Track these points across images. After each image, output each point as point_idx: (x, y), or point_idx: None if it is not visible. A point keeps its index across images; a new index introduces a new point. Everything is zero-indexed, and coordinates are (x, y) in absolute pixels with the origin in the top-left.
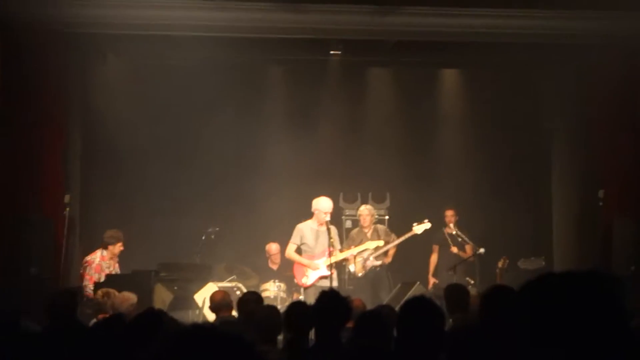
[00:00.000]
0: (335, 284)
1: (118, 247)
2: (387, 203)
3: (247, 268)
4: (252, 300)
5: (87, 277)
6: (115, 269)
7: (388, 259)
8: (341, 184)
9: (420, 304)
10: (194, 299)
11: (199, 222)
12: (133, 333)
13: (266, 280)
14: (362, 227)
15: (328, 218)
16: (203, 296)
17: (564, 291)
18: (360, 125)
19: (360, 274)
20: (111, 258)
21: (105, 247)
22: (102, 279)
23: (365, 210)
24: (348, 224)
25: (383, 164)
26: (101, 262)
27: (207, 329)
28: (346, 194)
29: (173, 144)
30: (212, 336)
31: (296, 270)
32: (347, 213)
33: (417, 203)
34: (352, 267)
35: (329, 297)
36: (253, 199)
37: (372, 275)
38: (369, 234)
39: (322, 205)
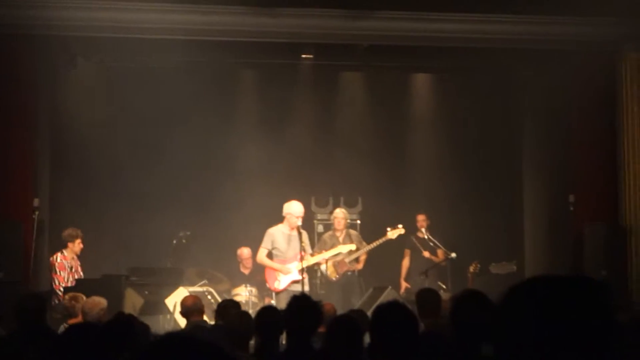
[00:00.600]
0: (307, 288)
1: (78, 245)
2: (359, 207)
3: (219, 273)
4: (230, 306)
5: (55, 277)
6: (77, 269)
7: (359, 265)
8: (313, 188)
9: (393, 309)
10: (165, 304)
11: (170, 226)
12: (104, 338)
13: (237, 285)
14: (335, 230)
15: (299, 222)
16: (174, 301)
17: (554, 296)
18: (332, 129)
19: (334, 278)
20: (72, 258)
21: (65, 246)
22: (67, 278)
23: (340, 214)
24: (320, 228)
25: (355, 168)
26: (63, 261)
27: (187, 338)
28: (318, 198)
29: (144, 147)
30: (193, 346)
31: (268, 274)
32: (319, 217)
33: (389, 207)
34: (324, 270)
35: (299, 302)
36: (224, 203)
37: (344, 280)
38: (341, 238)
39: (294, 209)
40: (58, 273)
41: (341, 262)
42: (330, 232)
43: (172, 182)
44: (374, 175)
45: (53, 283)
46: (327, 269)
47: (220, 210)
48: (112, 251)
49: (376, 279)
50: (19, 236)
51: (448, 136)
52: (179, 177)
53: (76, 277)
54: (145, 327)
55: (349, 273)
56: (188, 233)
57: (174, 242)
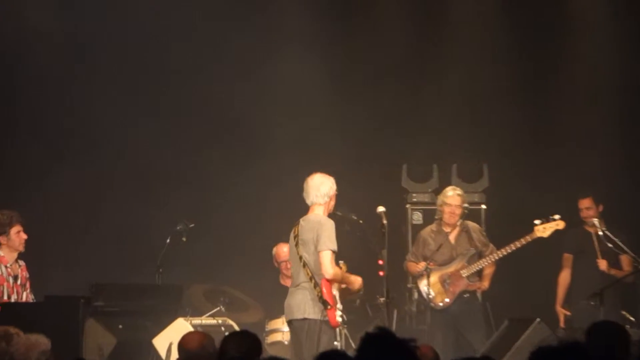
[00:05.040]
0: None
1: (16, 236)
2: (485, 182)
3: (243, 293)
4: (241, 345)
5: None
6: (24, 280)
7: (485, 283)
8: (404, 151)
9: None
10: (152, 346)
11: (162, 216)
12: None
13: (277, 315)
14: (444, 223)
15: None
16: (169, 341)
17: None
18: (437, 54)
19: (440, 304)
20: (16, 261)
21: None
22: (7, 294)
23: (456, 198)
24: (416, 217)
25: (476, 118)
26: None
27: None
28: (413, 167)
29: (127, 92)
30: None
31: (329, 295)
32: (415, 199)
33: (534, 185)
34: (426, 290)
35: (377, 343)
36: (253, 179)
37: (458, 307)
38: (452, 237)
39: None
40: None
41: (454, 277)
42: (434, 226)
43: (172, 146)
44: (509, 132)
45: None
46: (430, 287)
47: (247, 191)
48: (63, 259)
49: (513, 305)
50: None
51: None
52: (186, 138)
53: (25, 294)
54: None
55: (467, 295)
56: (191, 226)
57: (168, 241)
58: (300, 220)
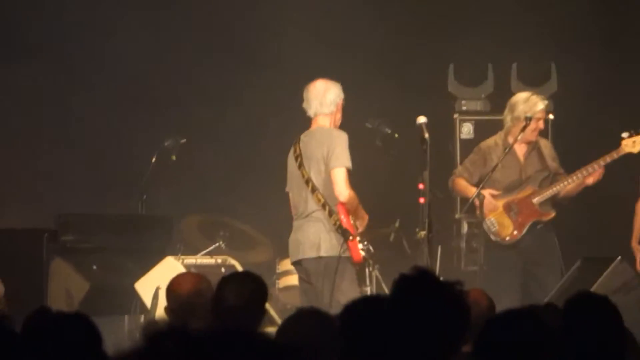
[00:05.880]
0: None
1: None
2: (553, 86)
3: (248, 226)
4: (242, 291)
5: None
6: None
7: (591, 178)
8: (452, 47)
9: None
10: (134, 291)
11: (145, 129)
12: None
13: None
14: (511, 137)
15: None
16: (155, 285)
17: None
18: None
19: (508, 238)
20: None
21: None
22: None
23: (539, 104)
24: (466, 129)
25: (542, 5)
26: None
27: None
28: (462, 68)
29: None
30: None
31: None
32: (465, 107)
33: (615, 91)
34: (490, 224)
35: (414, 288)
36: (265, 86)
37: (527, 242)
38: (521, 155)
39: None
40: None
41: (524, 205)
42: (498, 139)
43: (157, 52)
44: (584, 24)
45: None
46: (493, 218)
47: (253, 103)
48: (22, 187)
49: (589, 240)
50: None
51: None
52: (175, 46)
53: None
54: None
55: (539, 226)
56: (183, 141)
57: (153, 160)
58: (301, 136)
